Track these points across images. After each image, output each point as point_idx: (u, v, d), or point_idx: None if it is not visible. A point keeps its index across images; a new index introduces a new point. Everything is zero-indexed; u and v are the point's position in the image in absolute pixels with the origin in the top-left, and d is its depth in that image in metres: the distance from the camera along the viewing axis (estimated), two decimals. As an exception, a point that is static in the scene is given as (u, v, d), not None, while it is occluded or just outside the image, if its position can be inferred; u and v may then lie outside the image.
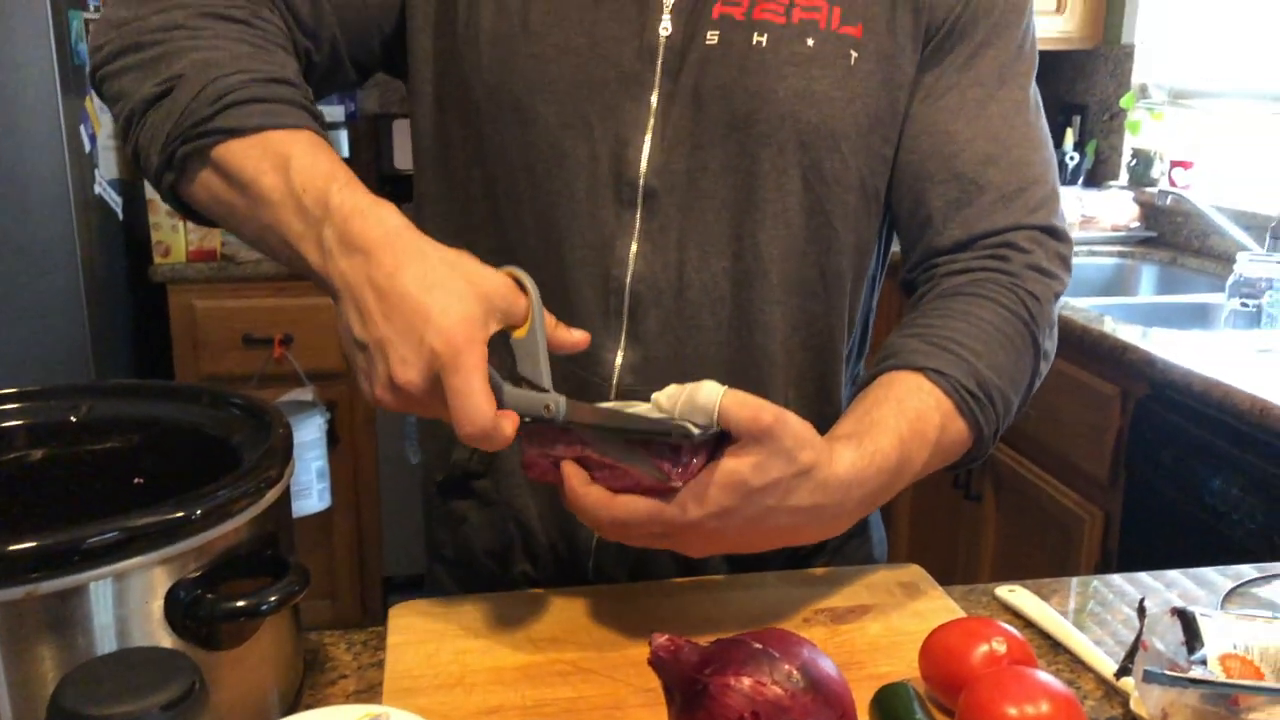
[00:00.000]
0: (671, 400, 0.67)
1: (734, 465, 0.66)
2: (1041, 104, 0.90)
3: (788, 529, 0.70)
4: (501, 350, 0.68)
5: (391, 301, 0.64)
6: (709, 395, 0.66)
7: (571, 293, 0.85)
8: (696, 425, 0.65)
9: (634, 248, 0.84)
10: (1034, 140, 0.87)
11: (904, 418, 0.75)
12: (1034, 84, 0.89)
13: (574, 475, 0.68)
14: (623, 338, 0.85)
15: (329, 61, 0.86)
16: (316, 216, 0.68)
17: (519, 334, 0.68)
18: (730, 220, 0.84)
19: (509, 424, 0.64)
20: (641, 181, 0.83)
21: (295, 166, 0.70)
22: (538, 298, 0.69)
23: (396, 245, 0.66)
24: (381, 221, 0.67)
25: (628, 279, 0.84)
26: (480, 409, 0.62)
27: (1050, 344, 0.86)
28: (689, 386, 0.67)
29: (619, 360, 0.86)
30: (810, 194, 0.85)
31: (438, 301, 0.64)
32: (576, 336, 0.72)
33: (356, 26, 0.86)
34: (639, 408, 0.70)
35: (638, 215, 0.83)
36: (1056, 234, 0.86)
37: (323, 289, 0.70)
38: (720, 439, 0.67)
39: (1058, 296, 0.86)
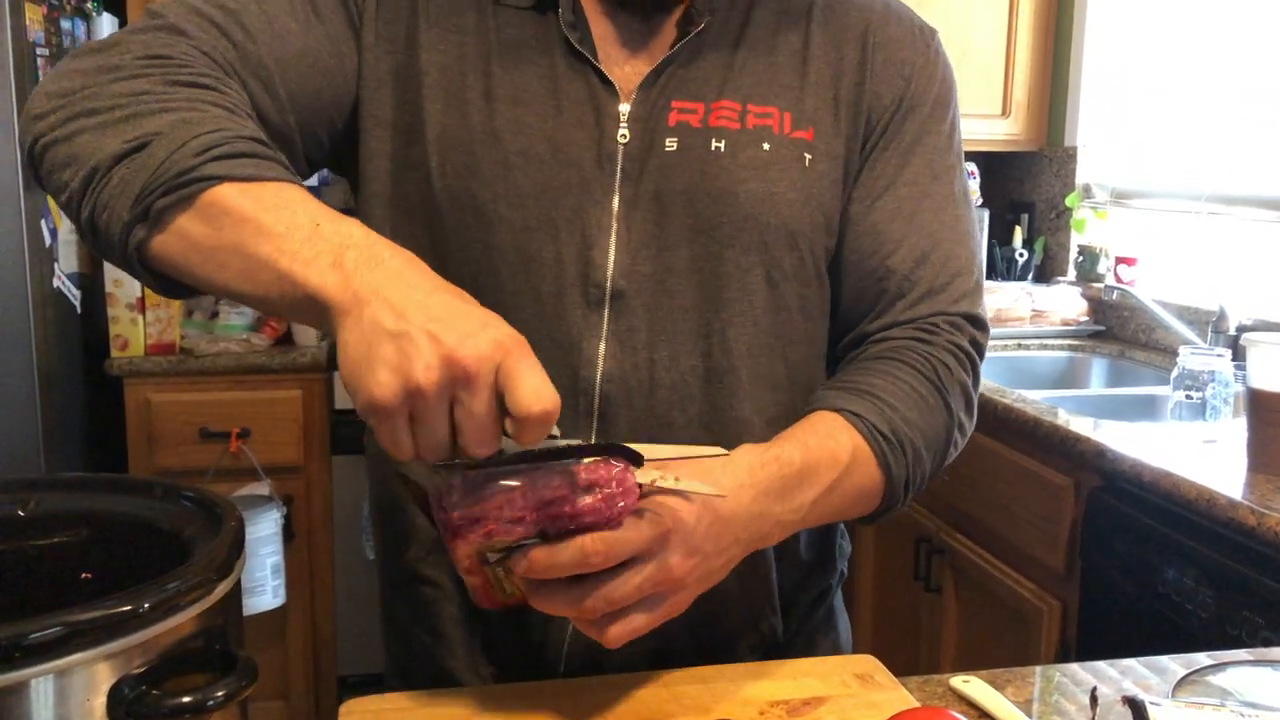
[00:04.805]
0: None
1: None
2: (969, 191, 0.95)
3: (729, 535, 0.74)
4: None
5: (435, 303, 0.63)
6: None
7: None
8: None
9: (602, 348, 0.85)
10: (960, 233, 0.91)
11: (813, 435, 0.80)
12: (961, 172, 0.94)
13: (541, 552, 0.66)
14: (593, 438, 0.85)
15: (284, 150, 0.83)
16: (335, 242, 0.66)
17: None
18: (698, 319, 0.86)
19: None
20: (609, 283, 0.84)
21: (304, 204, 0.69)
22: None
23: (431, 273, 0.67)
24: (413, 257, 0.67)
25: (597, 379, 0.85)
26: (550, 385, 0.62)
27: (967, 419, 0.90)
28: None
29: None
30: (774, 290, 0.88)
31: (489, 314, 0.64)
32: None
33: (310, 118, 0.84)
34: None
35: (605, 316, 0.85)
36: (976, 321, 0.91)
37: (310, 317, 0.67)
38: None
39: (975, 375, 0.90)
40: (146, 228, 0.70)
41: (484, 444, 0.63)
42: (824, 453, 0.80)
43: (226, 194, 0.68)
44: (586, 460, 0.66)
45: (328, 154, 0.88)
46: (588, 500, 0.65)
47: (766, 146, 0.86)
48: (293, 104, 0.82)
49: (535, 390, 0.62)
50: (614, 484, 0.66)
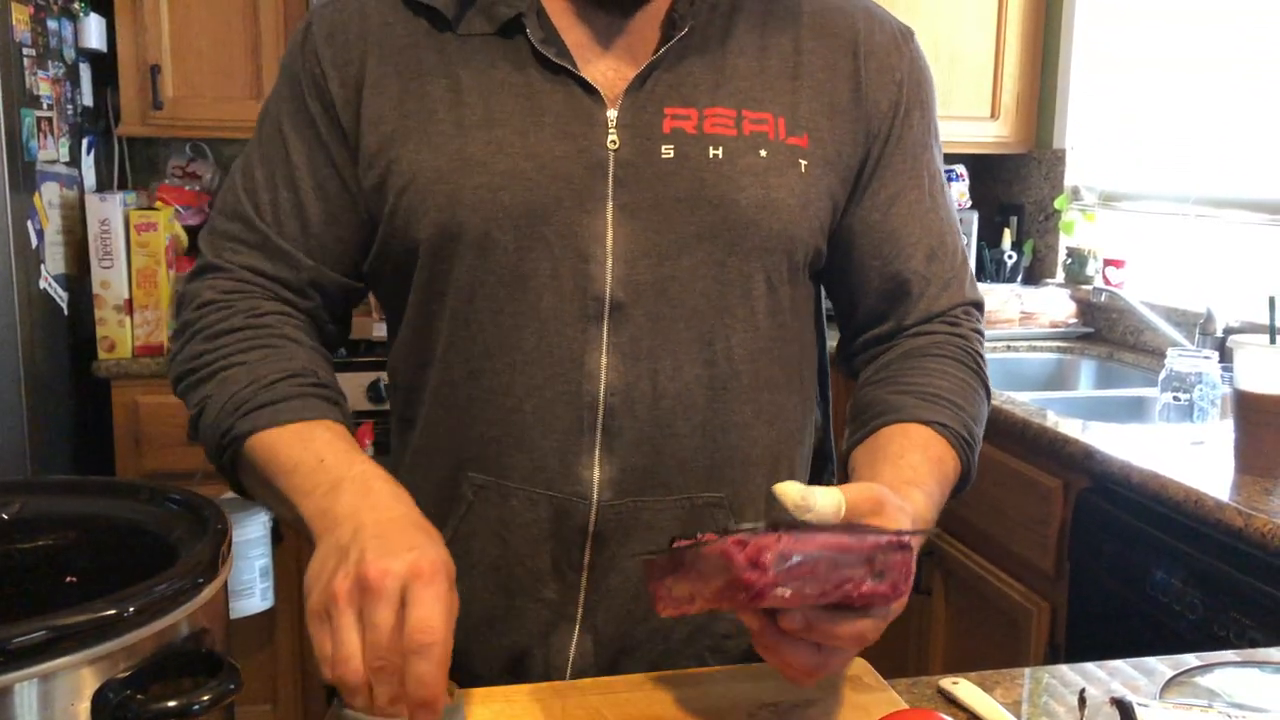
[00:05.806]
0: (804, 498, 0.68)
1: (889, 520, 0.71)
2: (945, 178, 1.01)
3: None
4: None
5: (386, 525, 0.70)
6: (831, 497, 0.69)
7: (543, 411, 0.85)
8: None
9: (604, 361, 0.84)
10: (953, 225, 0.96)
11: (933, 462, 0.84)
12: (941, 161, 0.98)
13: (829, 624, 0.67)
14: (598, 452, 0.85)
15: (337, 293, 0.91)
16: (337, 475, 0.74)
17: None
18: (701, 327, 0.86)
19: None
20: (608, 294, 0.84)
21: (319, 441, 0.78)
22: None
23: (403, 510, 0.73)
24: (399, 498, 0.74)
25: (601, 392, 0.84)
26: (441, 621, 0.65)
27: None
28: (812, 495, 0.68)
29: (596, 475, 0.85)
30: (772, 295, 0.88)
31: (434, 544, 0.69)
32: None
33: (347, 258, 0.90)
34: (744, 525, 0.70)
35: (605, 328, 0.84)
36: (980, 305, 0.98)
37: (306, 534, 0.74)
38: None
39: None
40: (228, 474, 0.84)
41: (380, 657, 0.65)
42: (945, 480, 0.85)
43: (255, 445, 0.80)
44: (884, 549, 0.67)
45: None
46: (881, 586, 0.66)
47: (764, 153, 0.86)
48: (321, 265, 0.89)
49: (420, 620, 0.64)
50: (901, 570, 0.67)
